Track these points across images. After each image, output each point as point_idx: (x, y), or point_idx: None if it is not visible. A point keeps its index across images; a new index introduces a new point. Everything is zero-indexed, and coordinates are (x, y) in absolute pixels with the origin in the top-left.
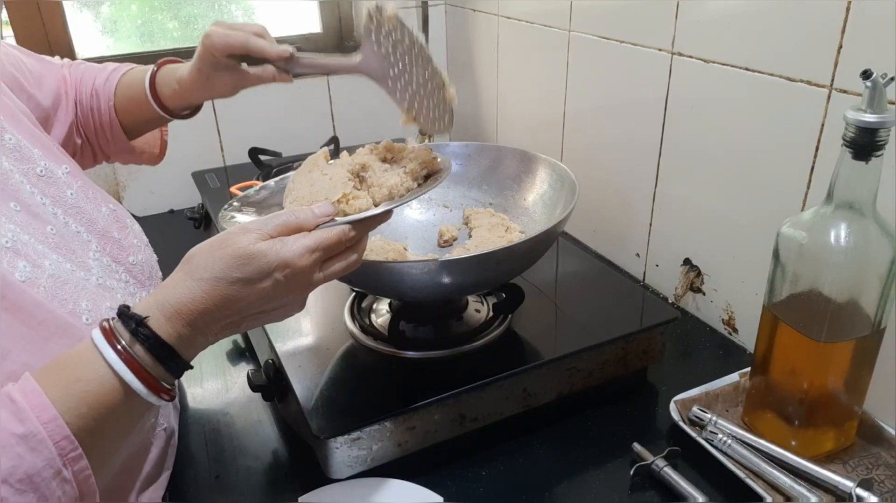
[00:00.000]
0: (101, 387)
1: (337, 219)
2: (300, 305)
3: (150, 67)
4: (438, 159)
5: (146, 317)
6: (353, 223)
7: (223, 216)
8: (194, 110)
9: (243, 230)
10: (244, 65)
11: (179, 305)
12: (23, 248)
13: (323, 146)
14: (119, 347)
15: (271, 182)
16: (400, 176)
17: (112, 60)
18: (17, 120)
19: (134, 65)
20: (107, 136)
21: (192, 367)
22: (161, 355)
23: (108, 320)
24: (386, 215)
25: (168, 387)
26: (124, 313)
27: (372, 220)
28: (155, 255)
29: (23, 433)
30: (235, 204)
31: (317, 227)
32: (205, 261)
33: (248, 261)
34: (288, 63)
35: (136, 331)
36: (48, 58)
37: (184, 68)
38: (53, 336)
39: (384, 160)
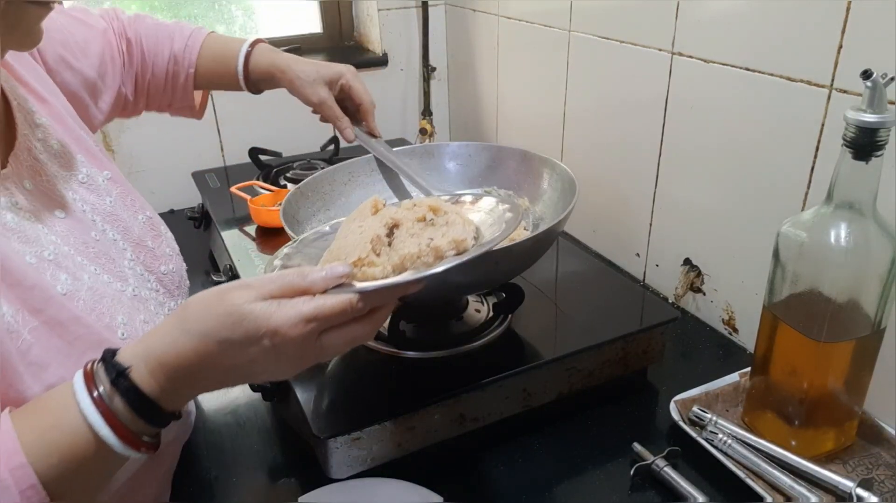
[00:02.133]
0: (74, 437)
1: (356, 282)
2: (294, 370)
3: (243, 46)
4: (507, 218)
5: (128, 368)
6: (364, 293)
7: (269, 262)
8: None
9: (244, 285)
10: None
11: (164, 357)
12: (64, 261)
13: (323, 147)
14: (95, 395)
15: (326, 227)
16: (420, 247)
17: None
18: (62, 122)
19: (207, 30)
20: (177, 97)
21: (178, 417)
22: (141, 409)
23: (92, 362)
24: (408, 286)
25: (149, 440)
26: (108, 360)
27: (386, 291)
28: (185, 265)
29: None
30: (286, 251)
31: (326, 290)
32: (198, 313)
33: (239, 322)
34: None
35: (116, 382)
36: (91, 17)
37: (284, 62)
38: (88, 351)
39: (422, 219)
